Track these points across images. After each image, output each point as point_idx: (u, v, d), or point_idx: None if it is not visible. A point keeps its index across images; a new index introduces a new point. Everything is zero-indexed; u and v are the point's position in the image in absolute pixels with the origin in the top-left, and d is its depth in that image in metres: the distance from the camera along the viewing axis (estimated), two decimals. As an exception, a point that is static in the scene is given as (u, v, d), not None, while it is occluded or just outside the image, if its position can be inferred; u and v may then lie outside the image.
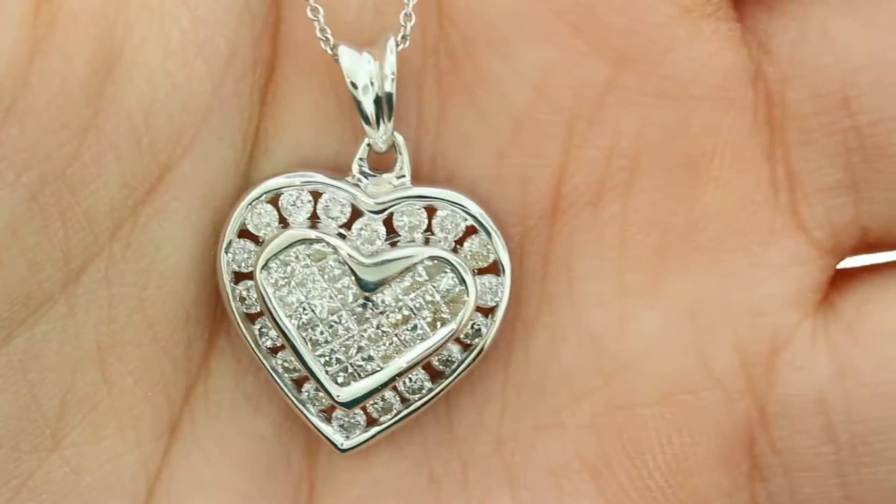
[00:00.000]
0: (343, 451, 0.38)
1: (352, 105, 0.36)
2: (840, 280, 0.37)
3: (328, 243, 0.36)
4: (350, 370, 0.37)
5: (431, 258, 0.36)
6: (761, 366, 0.37)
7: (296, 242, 0.36)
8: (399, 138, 0.36)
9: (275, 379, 0.37)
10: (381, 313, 0.37)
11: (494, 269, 0.37)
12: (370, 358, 0.37)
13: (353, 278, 0.36)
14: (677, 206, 0.36)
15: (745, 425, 0.37)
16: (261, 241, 0.37)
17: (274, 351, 0.37)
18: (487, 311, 0.37)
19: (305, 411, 0.38)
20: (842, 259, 0.37)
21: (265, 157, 0.37)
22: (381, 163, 0.37)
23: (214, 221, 0.36)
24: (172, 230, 0.36)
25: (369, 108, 0.36)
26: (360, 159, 0.36)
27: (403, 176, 0.37)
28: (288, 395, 0.37)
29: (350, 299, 0.36)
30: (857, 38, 0.35)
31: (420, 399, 0.38)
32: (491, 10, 0.35)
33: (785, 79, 0.36)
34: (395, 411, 0.38)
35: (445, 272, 0.36)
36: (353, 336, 0.37)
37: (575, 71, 0.35)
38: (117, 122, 0.34)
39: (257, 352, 0.37)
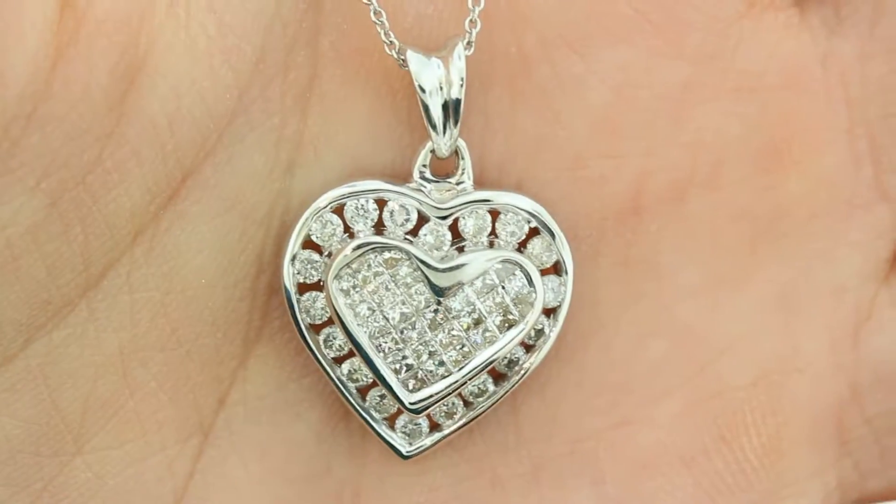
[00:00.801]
0: (406, 457, 0.38)
1: (408, 111, 0.36)
2: None
3: (401, 249, 0.36)
4: (420, 375, 0.37)
5: (502, 260, 0.37)
6: (848, 340, 0.38)
7: (368, 251, 0.36)
8: (462, 143, 0.36)
9: (339, 388, 0.37)
10: (454, 318, 0.37)
11: (556, 269, 0.37)
12: (441, 363, 0.37)
13: (425, 284, 0.36)
14: (763, 194, 0.37)
15: (835, 402, 0.38)
16: (324, 251, 0.36)
17: (338, 360, 0.37)
18: (549, 312, 0.37)
19: (369, 419, 0.37)
20: None
21: (316, 163, 0.36)
22: (440, 168, 0.37)
23: (243, 226, 0.36)
24: (195, 234, 0.36)
25: (436, 114, 0.36)
26: (423, 165, 0.36)
27: (463, 181, 0.37)
28: (352, 404, 0.37)
29: (422, 305, 0.37)
30: None
31: (484, 402, 0.38)
32: (570, 11, 0.36)
33: (865, 56, 0.37)
34: (458, 415, 0.38)
35: (515, 274, 0.37)
36: (425, 341, 0.37)
37: (655, 70, 0.36)
38: (140, 129, 0.34)
39: (323, 362, 0.37)
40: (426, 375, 0.37)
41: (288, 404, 0.38)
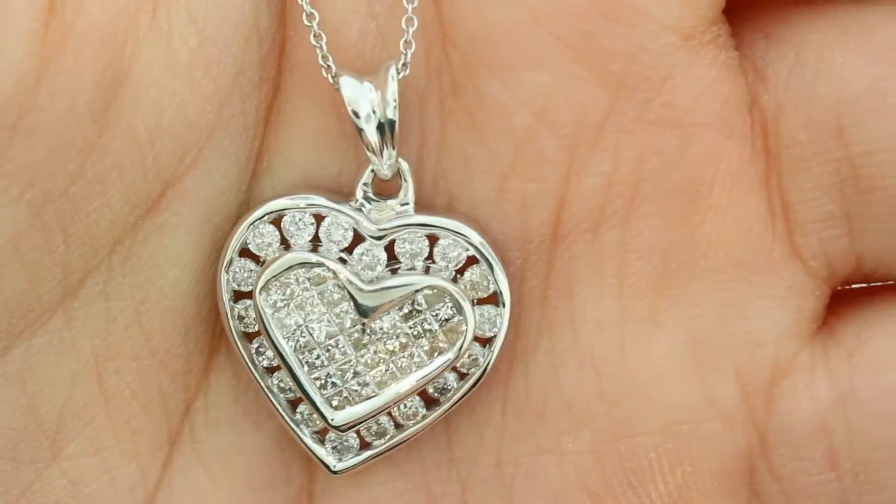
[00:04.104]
0: (335, 472, 0.38)
1: (354, 126, 0.36)
2: (840, 305, 0.37)
3: (328, 267, 0.36)
4: (345, 394, 0.37)
5: (431, 287, 0.36)
6: (761, 395, 0.37)
7: (296, 265, 0.36)
8: (404, 165, 0.36)
9: (269, 398, 0.37)
10: (379, 339, 0.37)
11: (494, 299, 0.37)
12: (366, 383, 0.37)
13: (351, 304, 0.36)
14: (677, 234, 0.36)
15: (745, 454, 0.37)
16: (261, 261, 0.37)
17: (270, 371, 0.37)
18: (485, 341, 0.37)
19: (299, 432, 0.38)
20: (838, 286, 0.37)
21: (267, 175, 0.37)
22: (385, 188, 0.37)
23: (216, 238, 0.36)
24: (172, 246, 0.36)
25: (372, 137, 0.35)
26: (365, 184, 0.36)
27: (407, 203, 0.37)
28: (282, 416, 0.38)
29: (348, 324, 0.36)
30: (853, 67, 0.35)
31: (414, 425, 0.38)
32: (492, 34, 0.35)
33: (780, 106, 0.35)
34: (389, 436, 0.38)
35: (444, 302, 0.36)
36: (349, 361, 0.37)
37: (575, 96, 0.35)
38: (122, 141, 0.34)
39: (253, 370, 0.37)
40: (350, 394, 0.37)
41: (247, 414, 0.38)
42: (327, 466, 0.38)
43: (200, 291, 0.37)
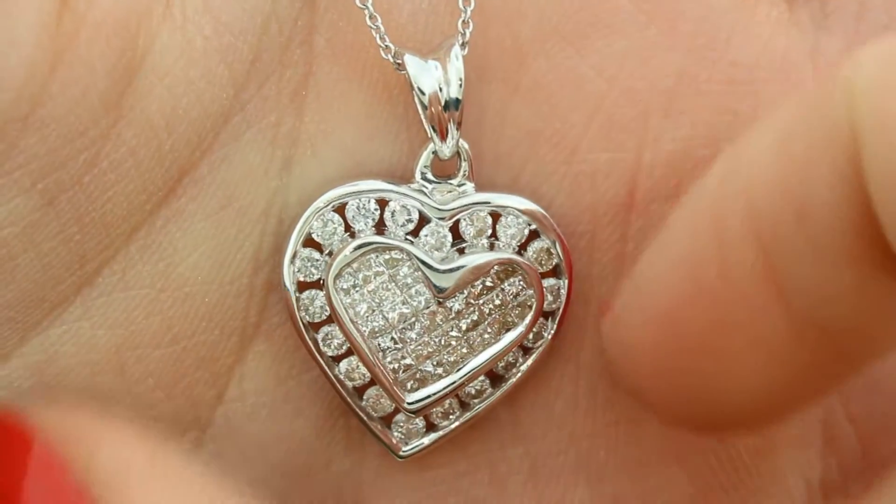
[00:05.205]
0: (402, 457, 0.38)
1: (405, 107, 0.36)
2: None
3: (402, 250, 0.36)
4: (419, 376, 0.37)
5: (503, 263, 0.37)
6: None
7: (369, 250, 0.36)
8: (464, 145, 0.37)
9: (336, 387, 0.37)
10: (453, 319, 0.37)
11: (555, 272, 0.37)
12: (440, 363, 0.37)
13: (426, 284, 0.36)
14: None
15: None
16: (324, 249, 0.36)
17: (336, 359, 0.37)
18: (548, 314, 0.38)
19: (366, 418, 0.38)
20: None
21: (314, 161, 0.37)
22: (442, 169, 0.37)
23: (240, 223, 0.36)
24: (191, 231, 0.36)
25: (437, 116, 0.36)
26: (425, 166, 0.37)
27: (464, 183, 0.37)
28: (349, 402, 0.37)
29: (422, 306, 0.37)
30: None
31: (480, 403, 0.38)
32: (565, 3, 0.36)
33: (851, 51, 0.37)
34: (454, 415, 0.38)
35: (515, 276, 0.37)
36: (424, 342, 0.37)
37: (649, 61, 0.36)
38: (137, 130, 0.34)
39: (320, 360, 0.37)
40: (425, 376, 0.37)
41: (287, 400, 0.38)
42: (394, 451, 0.38)
43: (224, 277, 0.36)
